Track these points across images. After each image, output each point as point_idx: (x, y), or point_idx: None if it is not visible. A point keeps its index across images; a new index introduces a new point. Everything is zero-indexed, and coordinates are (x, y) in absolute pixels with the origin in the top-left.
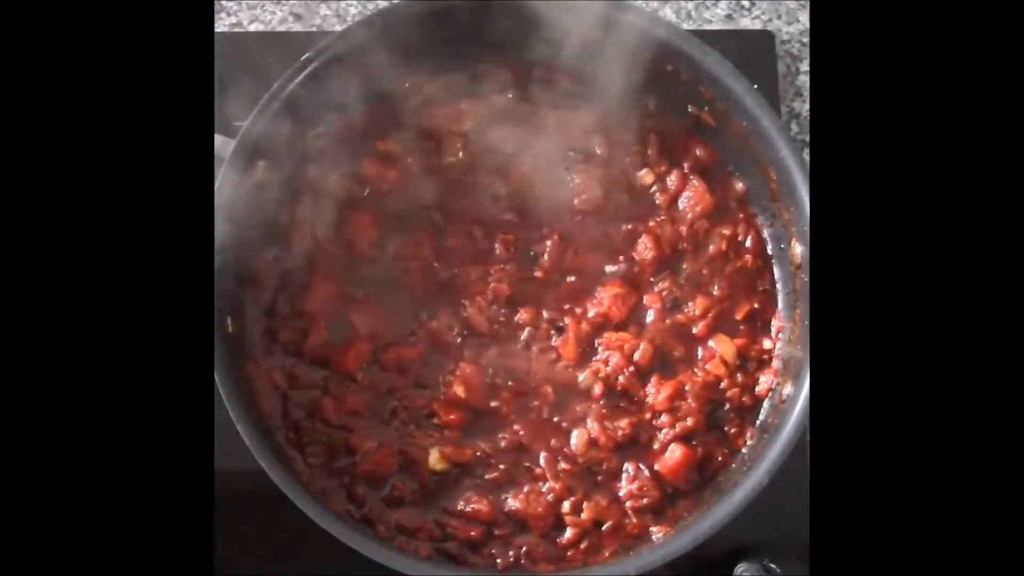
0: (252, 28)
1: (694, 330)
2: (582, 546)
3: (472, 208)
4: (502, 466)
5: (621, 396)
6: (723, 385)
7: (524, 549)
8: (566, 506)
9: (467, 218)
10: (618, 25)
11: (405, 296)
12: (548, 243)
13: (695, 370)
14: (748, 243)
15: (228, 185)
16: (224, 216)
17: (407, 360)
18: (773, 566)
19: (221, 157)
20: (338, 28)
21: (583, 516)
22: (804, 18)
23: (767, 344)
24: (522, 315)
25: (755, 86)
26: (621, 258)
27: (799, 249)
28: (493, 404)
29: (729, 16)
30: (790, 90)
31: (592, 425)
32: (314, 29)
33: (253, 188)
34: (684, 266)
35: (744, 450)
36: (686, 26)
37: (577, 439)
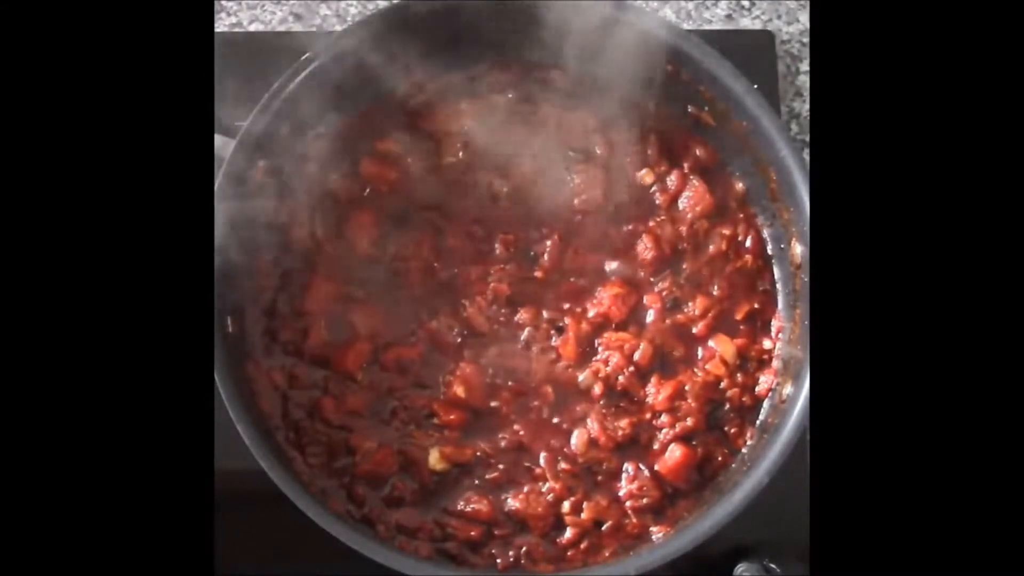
0: (252, 28)
1: (694, 330)
2: (582, 546)
3: (472, 208)
4: (502, 466)
5: (621, 396)
6: (723, 385)
7: (524, 549)
8: (566, 506)
9: (467, 218)
10: (618, 25)
11: (405, 296)
12: (548, 243)
13: (695, 370)
14: (748, 243)
15: (228, 185)
16: (224, 216)
17: (407, 360)
18: (773, 566)
19: (221, 157)
20: (338, 28)
21: (583, 516)
22: (804, 18)
23: (767, 344)
24: (522, 315)
25: (755, 86)
26: (621, 258)
27: (799, 249)
28: (493, 404)
29: (729, 16)
30: (790, 90)
31: (592, 425)
32: (314, 29)
33: (253, 188)
34: (684, 266)
35: (744, 450)
36: (686, 26)
37: (577, 439)
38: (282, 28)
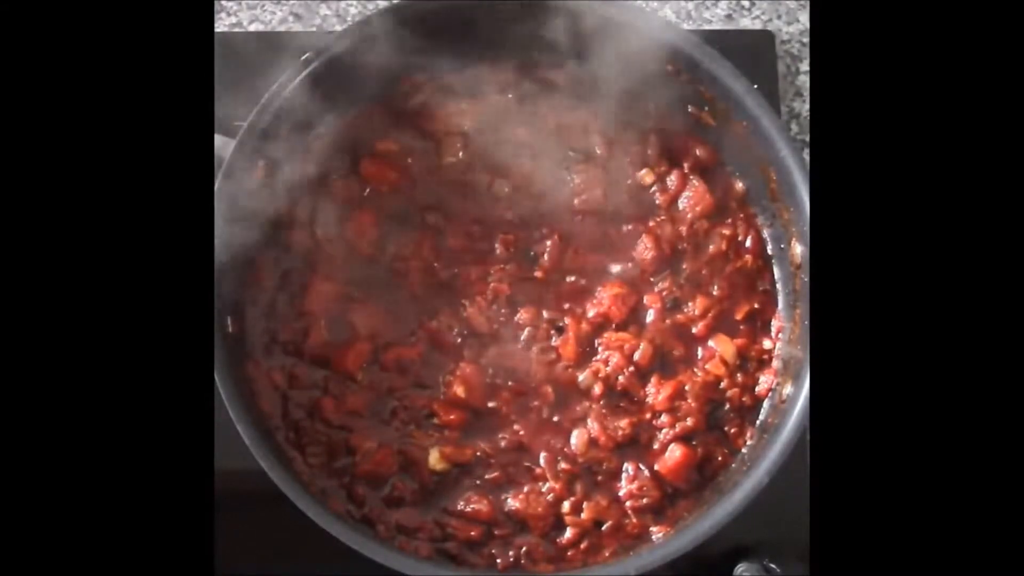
0: (252, 28)
1: (694, 330)
2: (582, 546)
3: (472, 208)
4: (502, 466)
5: (621, 396)
6: (723, 385)
7: (524, 549)
8: (566, 506)
9: (467, 218)
10: (618, 25)
11: (405, 296)
12: (548, 243)
13: (695, 370)
14: (748, 243)
15: (228, 185)
16: (224, 216)
17: (407, 360)
18: (773, 566)
19: (221, 157)
20: (338, 28)
21: (583, 516)
22: (804, 18)
23: (767, 344)
24: (522, 315)
25: (755, 86)
26: (621, 258)
27: (799, 249)
28: (493, 404)
29: (729, 16)
30: (790, 90)
31: (592, 425)
32: (314, 29)
33: (253, 188)
34: (684, 266)
35: (744, 450)
36: (686, 26)
37: (577, 439)
38: (282, 28)
